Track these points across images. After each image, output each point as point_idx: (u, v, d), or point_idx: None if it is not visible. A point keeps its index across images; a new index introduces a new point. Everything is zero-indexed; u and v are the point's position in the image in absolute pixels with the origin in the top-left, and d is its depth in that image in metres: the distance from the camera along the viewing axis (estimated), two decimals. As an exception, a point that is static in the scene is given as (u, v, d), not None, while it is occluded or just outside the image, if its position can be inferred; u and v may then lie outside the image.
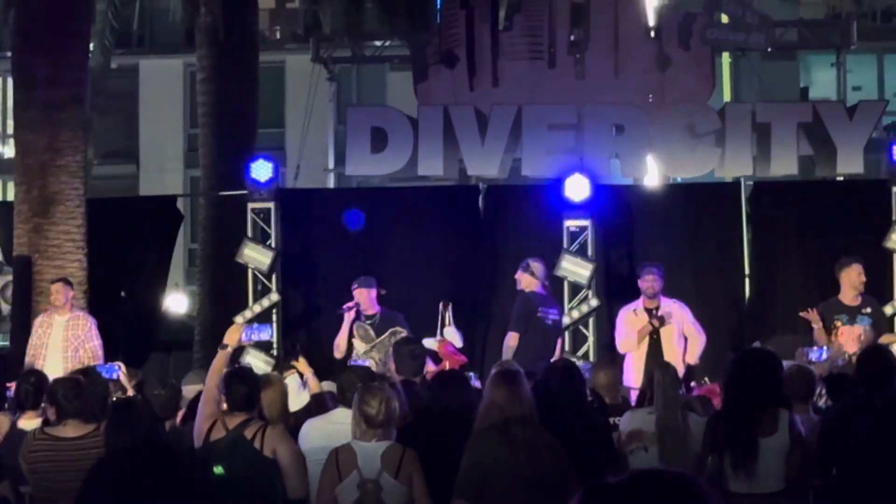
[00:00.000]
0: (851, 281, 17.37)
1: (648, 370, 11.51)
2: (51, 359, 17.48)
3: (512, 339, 17.35)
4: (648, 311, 17.60)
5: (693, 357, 17.46)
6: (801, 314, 17.48)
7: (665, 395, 10.11)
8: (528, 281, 17.85)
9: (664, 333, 17.53)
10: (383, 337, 17.15)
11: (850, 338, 16.20)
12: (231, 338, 10.81)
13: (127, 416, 9.53)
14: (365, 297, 17.75)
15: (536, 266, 17.93)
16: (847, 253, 18.16)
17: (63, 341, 17.68)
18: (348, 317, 17.75)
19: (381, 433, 9.19)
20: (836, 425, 10.08)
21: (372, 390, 9.39)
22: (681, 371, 16.53)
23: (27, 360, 17.73)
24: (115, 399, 10.74)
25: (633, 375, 16.84)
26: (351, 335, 17.48)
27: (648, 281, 17.66)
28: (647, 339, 17.54)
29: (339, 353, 17.60)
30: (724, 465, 9.41)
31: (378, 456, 9.11)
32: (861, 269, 17.63)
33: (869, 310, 17.15)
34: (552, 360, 16.02)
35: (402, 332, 17.06)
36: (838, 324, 16.66)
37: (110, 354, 18.41)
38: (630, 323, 17.63)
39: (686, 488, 3.72)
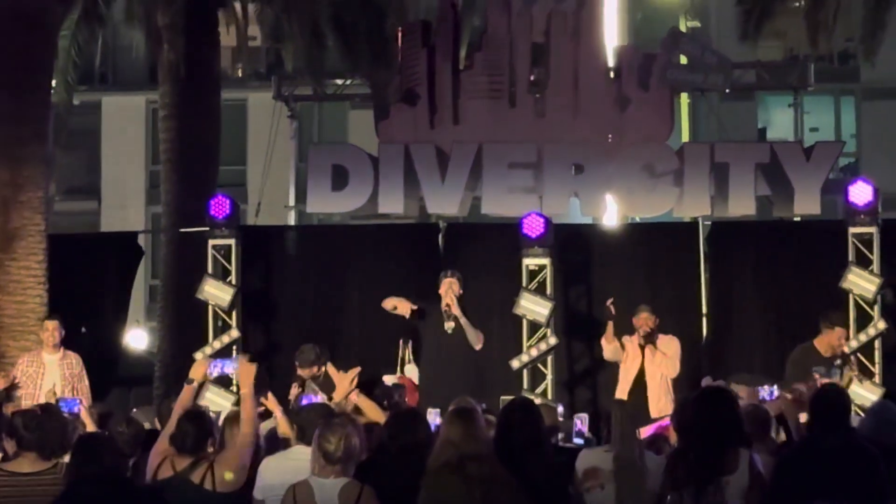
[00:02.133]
0: (832, 342, 17.58)
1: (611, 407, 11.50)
2: (49, 399, 17.42)
3: None
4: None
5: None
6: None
7: (622, 433, 10.11)
8: None
9: (650, 372, 17.67)
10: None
11: None
12: (197, 372, 10.78)
13: (92, 450, 9.48)
14: (307, 372, 17.55)
15: None
16: (808, 294, 18.28)
17: (61, 380, 17.67)
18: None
19: (339, 469, 9.16)
20: (792, 462, 10.10)
21: (332, 426, 9.35)
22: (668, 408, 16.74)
23: (23, 401, 17.65)
24: (80, 434, 10.67)
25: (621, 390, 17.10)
26: None
27: (642, 319, 17.87)
28: (635, 377, 17.67)
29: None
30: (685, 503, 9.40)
31: (336, 493, 9.08)
32: (844, 335, 17.84)
33: (838, 362, 17.31)
34: None
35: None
36: (817, 375, 16.68)
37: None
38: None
39: None
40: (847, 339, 18.06)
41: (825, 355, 17.36)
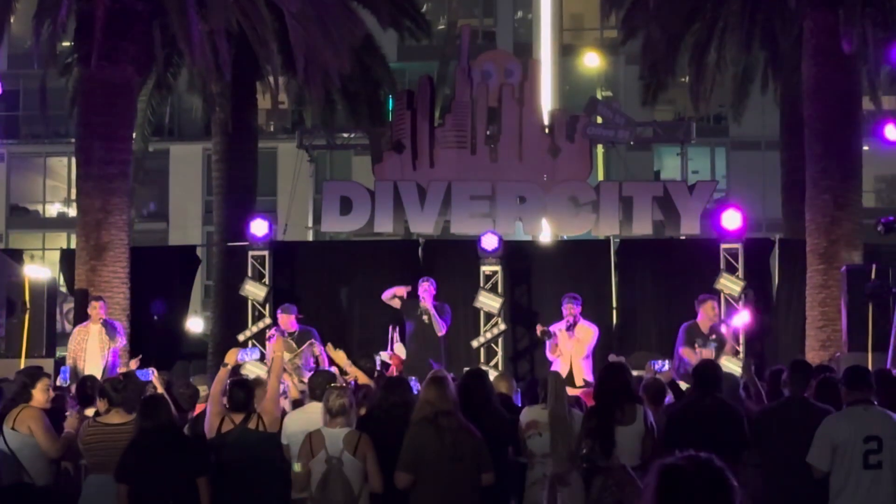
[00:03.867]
0: (708, 313, 17.47)
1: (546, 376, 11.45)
2: (90, 360, 17.37)
3: None
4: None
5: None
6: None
7: (555, 395, 10.11)
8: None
9: (576, 350, 17.52)
10: (303, 347, 17.15)
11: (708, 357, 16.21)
12: (230, 358, 10.82)
13: (153, 407, 9.50)
14: (286, 320, 17.71)
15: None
16: (691, 293, 18.28)
17: (99, 343, 17.56)
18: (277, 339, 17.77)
19: (342, 421, 9.19)
20: (678, 417, 10.15)
21: (333, 391, 9.44)
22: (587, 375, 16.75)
23: (69, 363, 17.60)
24: (145, 395, 10.67)
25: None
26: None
27: (568, 308, 17.65)
28: (569, 352, 17.49)
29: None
30: (595, 447, 9.44)
31: (340, 439, 9.10)
32: (715, 304, 17.76)
33: (714, 337, 17.23)
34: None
35: (315, 343, 17.12)
36: (697, 347, 16.71)
37: (145, 362, 18.29)
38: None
39: (719, 470, 3.63)
40: (719, 317, 17.90)
41: (704, 329, 17.27)
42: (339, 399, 9.24)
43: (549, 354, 17.73)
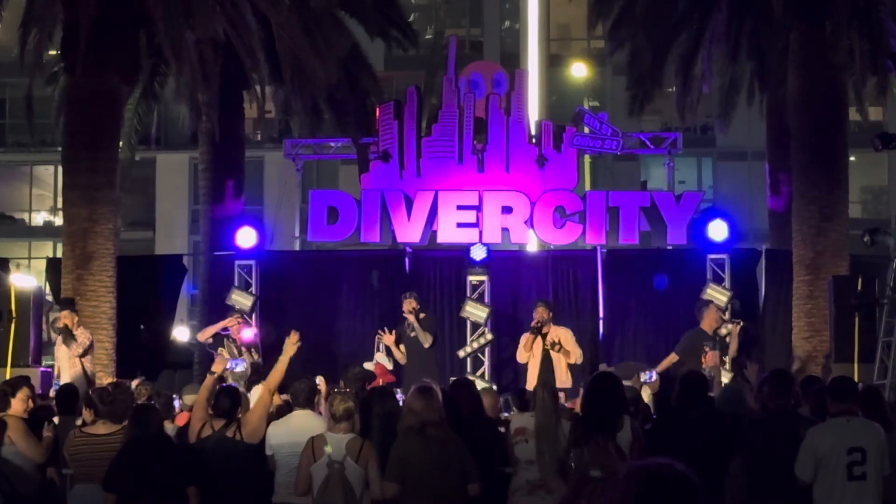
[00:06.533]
0: (711, 319, 17.49)
1: (539, 379, 11.46)
2: (63, 369, 17.40)
3: None
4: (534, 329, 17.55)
5: (574, 358, 17.48)
6: None
7: (543, 405, 10.12)
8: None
9: (555, 359, 17.51)
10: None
11: (715, 359, 16.30)
12: (217, 367, 10.80)
13: (144, 417, 9.51)
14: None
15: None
16: (678, 303, 18.35)
17: (65, 352, 17.51)
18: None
19: (345, 426, 9.20)
20: (663, 426, 10.19)
21: (338, 396, 9.50)
22: (565, 382, 16.71)
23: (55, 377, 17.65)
24: (135, 405, 10.68)
25: (530, 381, 16.90)
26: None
27: (539, 312, 17.65)
28: (536, 350, 17.46)
29: (202, 337, 18.91)
30: (585, 456, 9.44)
31: (344, 444, 9.11)
32: (716, 308, 17.78)
33: (717, 339, 17.30)
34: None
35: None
36: (707, 348, 16.68)
37: (130, 372, 18.29)
38: (522, 341, 17.67)
39: (686, 476, 3.64)
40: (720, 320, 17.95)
41: (710, 333, 17.30)
42: (343, 404, 9.26)
43: (523, 357, 17.75)
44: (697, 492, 3.59)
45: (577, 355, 17.66)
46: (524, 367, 18.27)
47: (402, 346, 18.12)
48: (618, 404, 9.71)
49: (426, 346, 17.89)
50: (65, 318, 17.67)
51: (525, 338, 17.74)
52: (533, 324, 17.56)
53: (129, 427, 9.53)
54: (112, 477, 9.16)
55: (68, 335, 17.43)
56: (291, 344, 10.48)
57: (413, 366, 17.77)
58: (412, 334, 17.96)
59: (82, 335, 17.60)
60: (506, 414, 13.10)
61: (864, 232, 17.28)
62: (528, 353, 17.62)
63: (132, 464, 9.15)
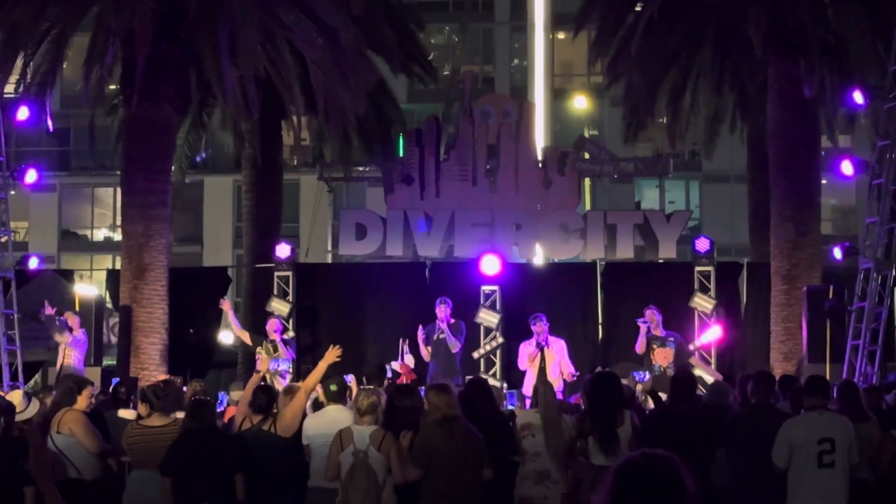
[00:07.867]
0: (654, 321, 17.48)
1: (537, 384, 11.48)
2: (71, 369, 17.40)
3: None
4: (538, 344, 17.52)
5: (567, 373, 17.42)
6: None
7: (546, 401, 10.13)
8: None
9: (548, 358, 17.50)
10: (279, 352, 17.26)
11: (663, 356, 16.31)
12: (263, 365, 10.77)
13: (200, 410, 9.52)
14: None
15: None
16: (669, 310, 18.31)
17: (66, 358, 17.49)
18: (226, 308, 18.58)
19: (369, 419, 9.19)
20: (656, 421, 10.19)
21: (362, 392, 9.48)
22: (559, 384, 16.65)
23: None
24: (194, 398, 10.68)
25: (529, 385, 16.85)
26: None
27: (539, 327, 17.60)
28: (537, 361, 17.43)
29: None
30: (589, 446, 9.44)
31: (367, 435, 9.12)
32: (655, 313, 17.60)
33: (672, 339, 17.25)
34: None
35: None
36: (655, 346, 16.71)
37: (181, 371, 18.35)
38: (525, 351, 17.62)
39: (673, 464, 3.64)
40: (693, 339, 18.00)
41: (658, 334, 17.21)
42: (367, 399, 9.27)
43: (525, 366, 17.63)
44: (682, 479, 3.60)
45: (567, 374, 17.40)
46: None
47: (429, 348, 18.09)
48: (618, 399, 9.73)
49: (453, 351, 17.87)
50: (69, 317, 17.74)
51: (530, 352, 17.57)
52: (538, 339, 17.41)
53: (185, 419, 9.54)
54: (169, 463, 9.19)
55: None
56: (333, 355, 10.45)
57: (438, 365, 17.76)
58: (441, 336, 17.93)
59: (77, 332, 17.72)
60: (509, 406, 13.11)
61: (835, 246, 17.29)
62: (531, 364, 17.61)
63: (187, 452, 9.18)
